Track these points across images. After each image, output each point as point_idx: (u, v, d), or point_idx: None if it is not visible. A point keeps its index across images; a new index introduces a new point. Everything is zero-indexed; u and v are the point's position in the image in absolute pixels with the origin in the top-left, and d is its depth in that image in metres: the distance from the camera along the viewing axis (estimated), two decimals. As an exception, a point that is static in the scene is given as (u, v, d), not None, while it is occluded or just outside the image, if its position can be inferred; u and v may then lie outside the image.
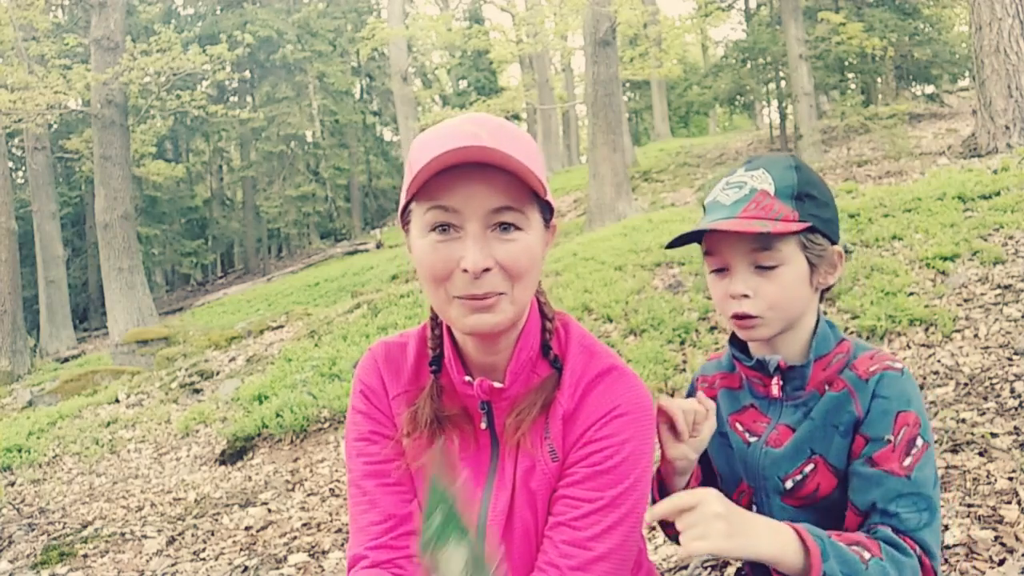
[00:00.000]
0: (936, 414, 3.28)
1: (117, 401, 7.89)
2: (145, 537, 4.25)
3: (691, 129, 37.77)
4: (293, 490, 4.60)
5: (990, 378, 3.52)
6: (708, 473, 1.34)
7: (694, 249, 1.29)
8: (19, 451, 6.46)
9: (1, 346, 13.78)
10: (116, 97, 13.62)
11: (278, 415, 5.50)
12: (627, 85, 29.72)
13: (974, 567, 2.22)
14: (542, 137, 27.30)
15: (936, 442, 3.03)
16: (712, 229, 1.15)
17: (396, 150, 33.01)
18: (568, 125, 33.65)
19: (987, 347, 3.86)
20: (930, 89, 18.86)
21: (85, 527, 4.62)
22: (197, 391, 7.49)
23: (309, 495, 4.46)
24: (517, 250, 1.01)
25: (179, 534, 4.22)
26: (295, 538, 3.86)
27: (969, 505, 2.54)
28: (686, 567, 2.64)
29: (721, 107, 25.40)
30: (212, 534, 4.16)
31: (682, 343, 5.00)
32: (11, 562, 4.19)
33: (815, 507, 1.20)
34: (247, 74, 29.77)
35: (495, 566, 0.90)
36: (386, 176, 32.86)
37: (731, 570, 2.51)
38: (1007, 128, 9.06)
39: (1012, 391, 3.33)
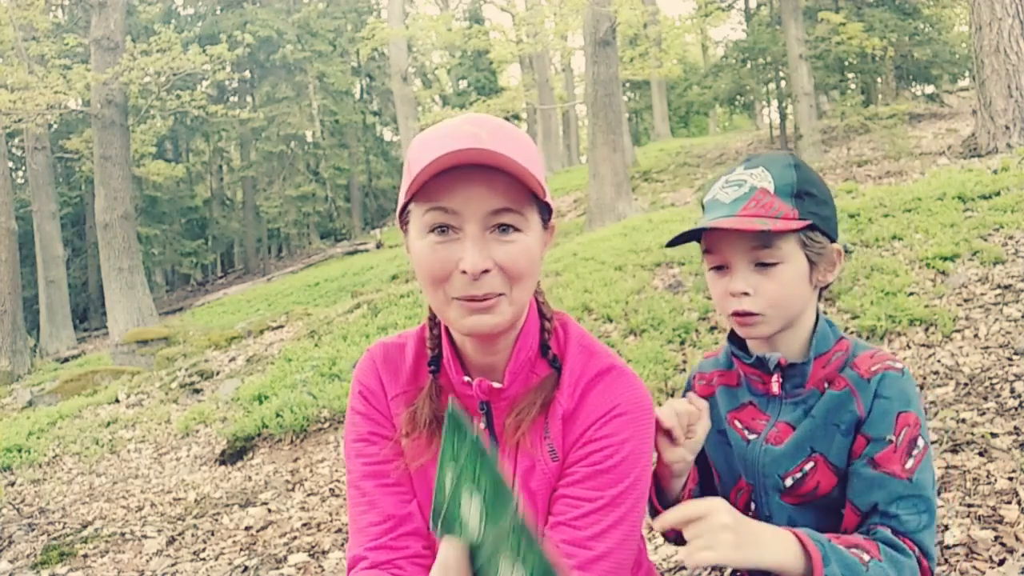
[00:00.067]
0: (936, 414, 3.28)
1: (117, 401, 7.89)
2: (145, 537, 4.25)
3: (691, 129, 37.77)
4: (293, 490, 4.60)
5: (990, 378, 3.52)
6: (705, 472, 1.34)
7: (694, 249, 1.29)
8: (19, 451, 6.46)
9: (1, 346, 13.78)
10: (116, 97, 13.62)
11: (278, 415, 5.50)
12: (627, 85, 29.72)
13: (974, 567, 2.22)
14: (542, 137, 27.30)
15: (936, 442, 3.03)
16: (712, 227, 1.15)
17: (396, 150, 33.02)
18: (568, 125, 33.65)
19: (987, 347, 3.86)
20: (930, 89, 18.86)
21: (85, 527, 4.62)
22: (197, 391, 7.49)
23: (309, 495, 4.46)
24: (516, 251, 1.01)
25: (179, 534, 4.22)
26: (295, 538, 3.86)
27: (969, 505, 2.54)
28: (686, 567, 2.64)
29: (721, 107, 25.41)
30: (212, 534, 4.16)
31: (682, 343, 5.00)
32: (11, 562, 4.19)
33: (814, 505, 1.20)
34: (247, 74, 29.77)
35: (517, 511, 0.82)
36: (386, 176, 32.87)
37: (731, 571, 2.51)
38: (1007, 128, 9.06)
39: (1012, 391, 3.33)
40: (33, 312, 19.95)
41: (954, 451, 2.93)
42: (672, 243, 1.26)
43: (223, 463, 5.42)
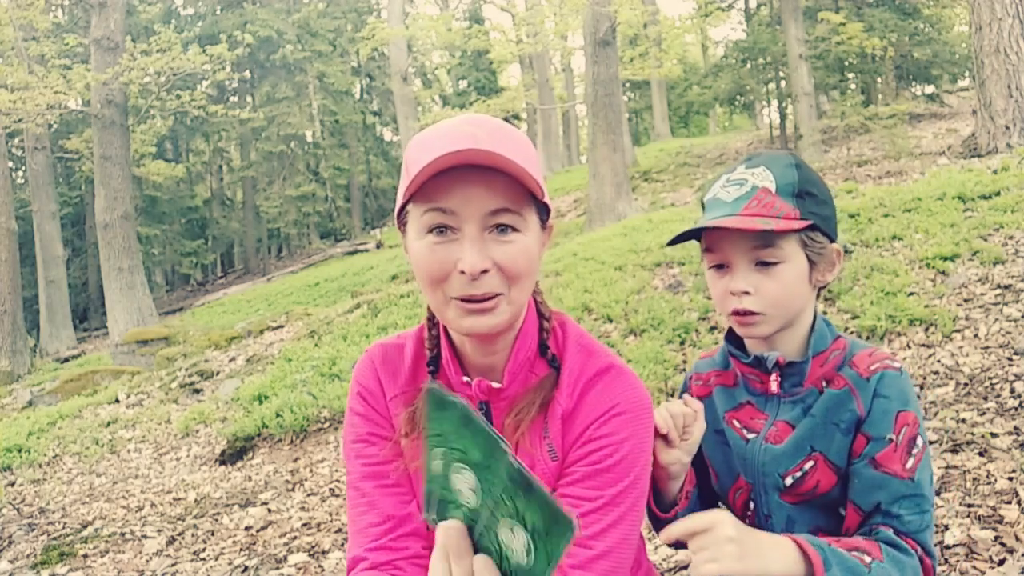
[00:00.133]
0: (936, 414, 3.28)
1: (117, 401, 7.89)
2: (145, 537, 4.25)
3: (691, 129, 37.77)
4: (293, 490, 4.60)
5: (990, 378, 3.52)
6: (701, 473, 1.34)
7: (694, 249, 1.30)
8: (19, 451, 6.46)
9: (1, 346, 13.78)
10: (116, 97, 13.62)
11: (278, 415, 5.50)
12: (627, 85, 29.72)
13: (974, 567, 2.22)
14: (542, 137, 27.31)
15: (936, 442, 3.03)
16: (715, 226, 1.16)
17: (396, 150, 33.02)
18: (568, 125, 33.66)
19: (987, 347, 3.86)
20: (930, 89, 18.86)
21: (85, 527, 4.62)
22: (197, 391, 7.49)
23: (309, 495, 4.46)
24: (515, 251, 1.01)
25: (179, 534, 4.22)
26: (295, 538, 3.86)
27: (969, 505, 2.54)
28: (686, 567, 2.64)
29: (721, 107, 25.40)
30: (212, 534, 4.16)
31: (682, 343, 5.00)
32: (11, 562, 4.19)
33: (813, 503, 1.20)
34: (247, 74, 29.78)
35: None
36: (386, 176, 32.88)
37: None
38: (1007, 128, 9.06)
39: (1012, 391, 3.33)
40: (33, 312, 19.95)
41: (954, 451, 2.93)
42: (673, 242, 1.26)
43: (223, 463, 5.42)
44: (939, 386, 3.58)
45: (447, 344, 1.14)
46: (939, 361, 3.86)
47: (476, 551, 0.77)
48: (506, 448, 0.73)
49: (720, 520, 1.02)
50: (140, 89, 15.32)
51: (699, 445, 1.24)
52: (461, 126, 1.01)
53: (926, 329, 4.26)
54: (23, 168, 24.52)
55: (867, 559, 1.06)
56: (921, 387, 3.62)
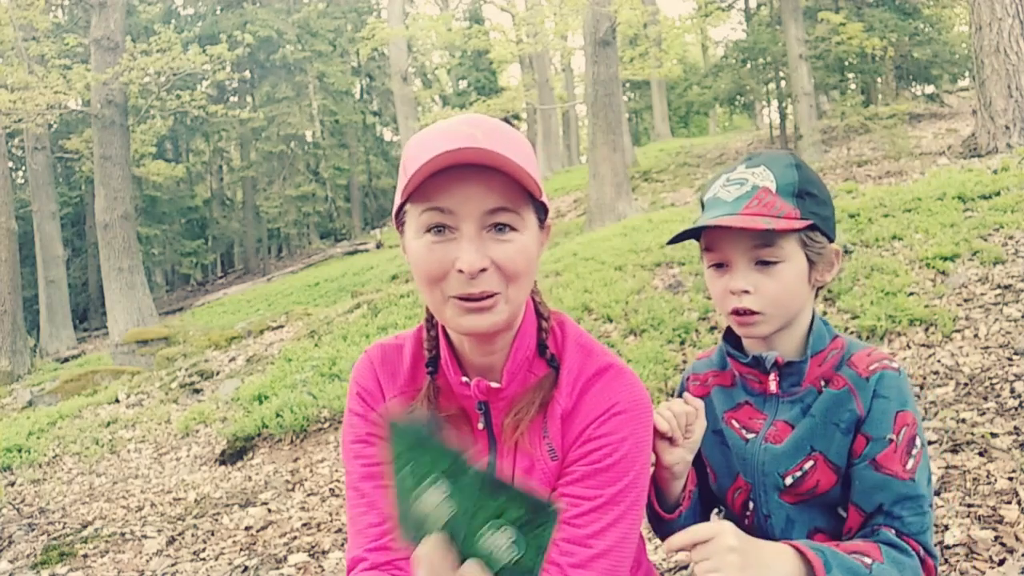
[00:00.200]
0: (936, 414, 3.28)
1: (117, 401, 7.89)
2: (145, 537, 4.25)
3: (691, 129, 37.78)
4: (293, 490, 4.60)
5: (990, 378, 3.52)
6: (699, 473, 1.34)
7: (694, 249, 1.30)
8: (19, 451, 6.46)
9: (1, 346, 13.79)
10: (116, 97, 13.62)
11: (278, 415, 5.50)
12: (627, 85, 29.72)
13: (974, 567, 2.22)
14: (542, 137, 27.31)
15: (936, 442, 3.03)
16: (716, 225, 1.16)
17: (396, 150, 33.03)
18: (568, 125, 33.66)
19: (987, 347, 3.86)
20: (930, 89, 18.86)
21: (85, 527, 4.62)
22: (197, 391, 7.49)
23: (309, 495, 4.46)
24: (513, 251, 1.01)
25: (179, 534, 4.22)
26: (295, 538, 3.86)
27: (969, 505, 2.54)
28: (686, 567, 2.64)
29: (721, 107, 25.41)
30: (212, 534, 4.16)
31: (682, 343, 5.00)
32: (11, 562, 4.19)
33: (812, 503, 1.20)
34: (247, 74, 29.78)
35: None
36: (386, 176, 32.88)
37: None
38: (1007, 128, 9.06)
39: (1012, 391, 3.33)
40: (33, 312, 19.95)
41: (954, 451, 2.93)
42: (673, 241, 1.26)
43: (223, 463, 5.42)
44: (939, 386, 3.58)
45: (446, 344, 1.14)
46: (939, 361, 3.86)
47: (464, 559, 0.77)
48: (470, 456, 0.74)
49: (722, 530, 1.03)
50: (140, 89, 15.32)
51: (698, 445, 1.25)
52: (459, 126, 1.01)
53: (926, 329, 4.26)
54: (23, 168, 24.53)
55: (867, 560, 1.06)
56: (921, 387, 3.62)
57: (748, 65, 18.48)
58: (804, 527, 1.20)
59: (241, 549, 3.86)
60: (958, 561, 2.26)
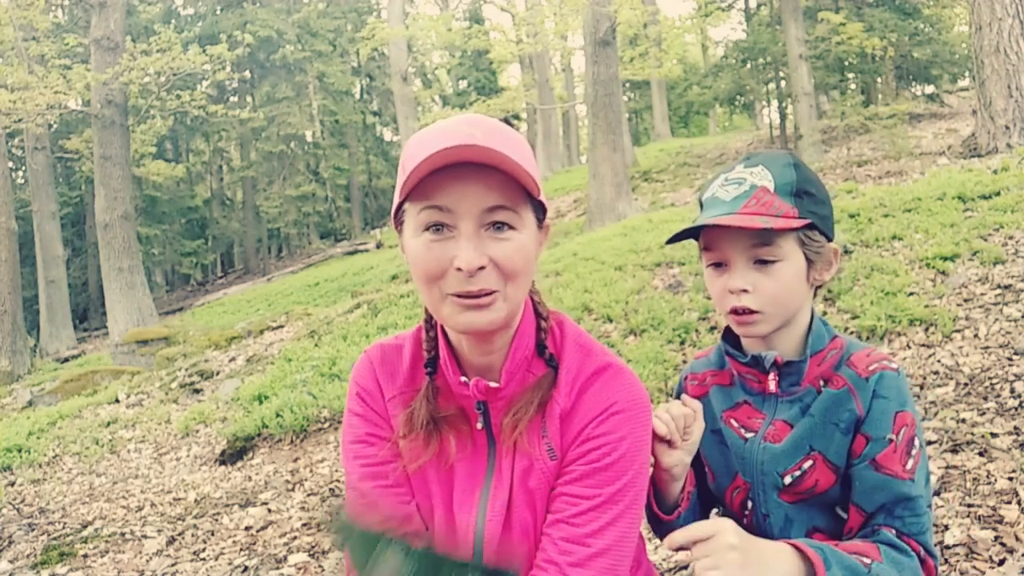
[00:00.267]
0: (936, 414, 3.28)
1: (117, 401, 7.89)
2: (145, 537, 4.25)
3: (691, 129, 37.79)
4: (293, 490, 4.60)
5: (990, 378, 3.52)
6: (697, 473, 1.34)
7: (694, 249, 1.30)
8: (19, 451, 6.46)
9: (1, 346, 13.79)
10: (116, 97, 13.62)
11: (278, 415, 5.50)
12: (627, 85, 29.73)
13: (974, 567, 2.22)
14: (542, 137, 27.30)
15: (936, 442, 3.03)
16: (714, 224, 1.16)
17: (396, 150, 33.03)
18: (568, 125, 33.66)
19: (987, 347, 3.86)
20: (930, 89, 18.86)
21: (85, 527, 4.62)
22: (197, 391, 7.49)
23: (309, 495, 4.46)
24: (511, 249, 1.01)
25: (179, 534, 4.22)
26: (295, 538, 3.86)
27: (969, 505, 2.54)
28: (686, 567, 2.64)
29: (721, 107, 25.40)
30: (212, 534, 4.16)
31: (682, 343, 5.00)
32: (11, 562, 4.19)
33: (811, 502, 1.20)
34: (247, 74, 29.79)
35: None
36: (386, 176, 32.89)
37: None
38: (1007, 128, 9.06)
39: (1012, 391, 3.33)
40: (33, 312, 19.96)
41: (954, 451, 2.93)
42: (672, 240, 1.26)
43: (223, 463, 5.42)
44: (939, 386, 3.58)
45: (445, 344, 1.14)
46: (939, 361, 3.86)
47: None
48: (411, 544, 0.81)
49: (722, 527, 1.03)
50: (140, 89, 15.32)
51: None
52: (458, 125, 1.01)
53: (926, 329, 4.25)
54: (23, 168, 24.53)
55: (867, 560, 1.07)
56: (921, 387, 3.62)
57: (748, 65, 18.48)
58: (803, 526, 1.20)
59: (241, 549, 3.86)
60: (958, 561, 2.26)
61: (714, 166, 17.50)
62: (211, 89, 26.20)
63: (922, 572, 1.11)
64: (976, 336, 4.03)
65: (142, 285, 13.66)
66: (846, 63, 17.74)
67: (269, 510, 4.34)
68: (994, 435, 2.97)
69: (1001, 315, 4.15)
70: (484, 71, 33.73)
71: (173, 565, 3.79)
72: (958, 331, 4.13)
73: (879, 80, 19.03)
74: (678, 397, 1.34)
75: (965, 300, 4.48)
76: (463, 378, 1.12)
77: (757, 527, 1.24)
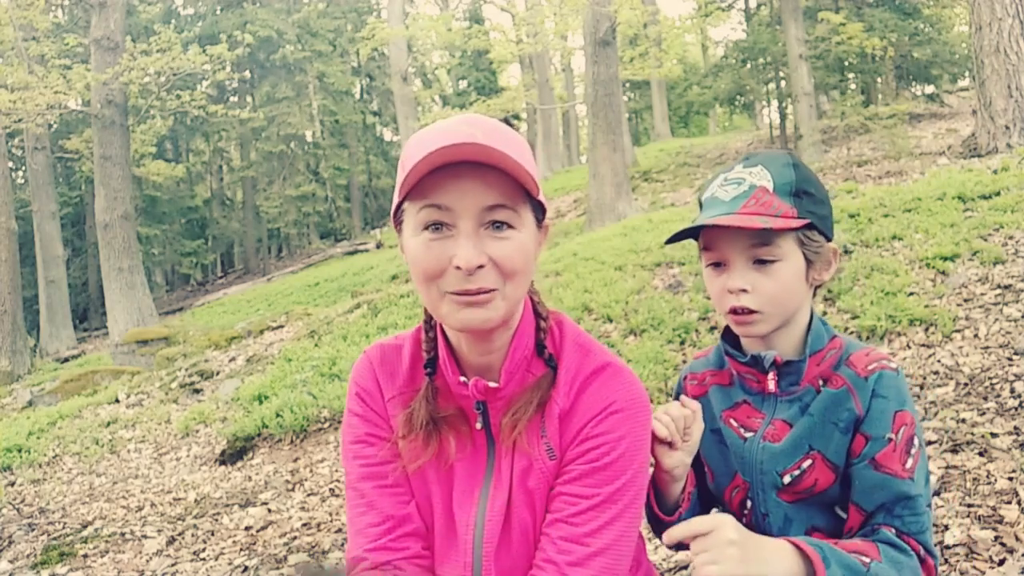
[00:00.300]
0: (936, 414, 3.28)
1: (117, 401, 7.89)
2: (145, 537, 4.25)
3: (691, 129, 37.78)
4: (293, 490, 4.60)
5: (990, 378, 3.52)
6: (699, 473, 1.34)
7: (694, 249, 1.30)
8: (19, 451, 6.46)
9: (1, 346, 13.79)
10: (116, 97, 13.62)
11: (278, 415, 5.50)
12: (627, 85, 29.72)
13: (974, 567, 2.22)
14: (542, 137, 27.30)
15: (936, 442, 3.03)
16: (713, 225, 1.16)
17: (396, 150, 33.02)
18: (568, 125, 33.66)
19: (987, 347, 3.86)
20: (930, 89, 18.86)
21: (85, 527, 4.62)
22: (197, 391, 7.49)
23: (309, 495, 4.46)
24: (510, 248, 1.01)
25: (179, 534, 4.22)
26: (295, 538, 3.86)
27: (969, 505, 2.54)
28: (686, 567, 2.64)
29: (721, 107, 25.40)
30: (212, 534, 4.16)
31: (682, 343, 5.00)
32: (11, 562, 4.19)
33: (810, 502, 1.21)
34: (247, 74, 29.78)
35: None
36: (386, 176, 32.88)
37: None
38: (1007, 128, 9.06)
39: (1012, 391, 3.33)
40: (33, 312, 19.96)
41: (954, 451, 2.93)
42: (671, 240, 1.27)
43: (223, 463, 5.42)
44: (939, 386, 3.58)
45: (444, 344, 1.14)
46: (939, 361, 3.86)
47: None
48: None
49: (722, 523, 1.03)
50: (140, 89, 15.32)
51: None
52: (458, 125, 1.01)
53: (926, 329, 4.25)
54: (23, 168, 24.53)
55: (866, 559, 1.07)
56: (921, 387, 3.62)
57: (748, 65, 18.48)
58: (802, 526, 1.20)
59: (241, 549, 3.86)
60: (958, 561, 2.26)
61: (714, 166, 17.49)
62: (211, 89, 26.19)
63: (922, 571, 1.12)
64: (976, 336, 4.03)
65: (142, 285, 13.66)
66: (846, 63, 17.74)
67: (269, 510, 4.34)
68: (994, 435, 2.97)
69: (1001, 315, 4.15)
70: (484, 71, 33.73)
71: (173, 565, 3.79)
72: (958, 331, 4.13)
73: (879, 80, 19.03)
74: (677, 397, 1.34)
75: (965, 300, 4.48)
76: (462, 378, 1.12)
77: (756, 526, 1.24)
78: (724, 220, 1.15)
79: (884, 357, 1.19)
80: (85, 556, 4.10)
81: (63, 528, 4.68)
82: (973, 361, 3.74)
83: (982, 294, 4.49)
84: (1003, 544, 2.29)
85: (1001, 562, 2.21)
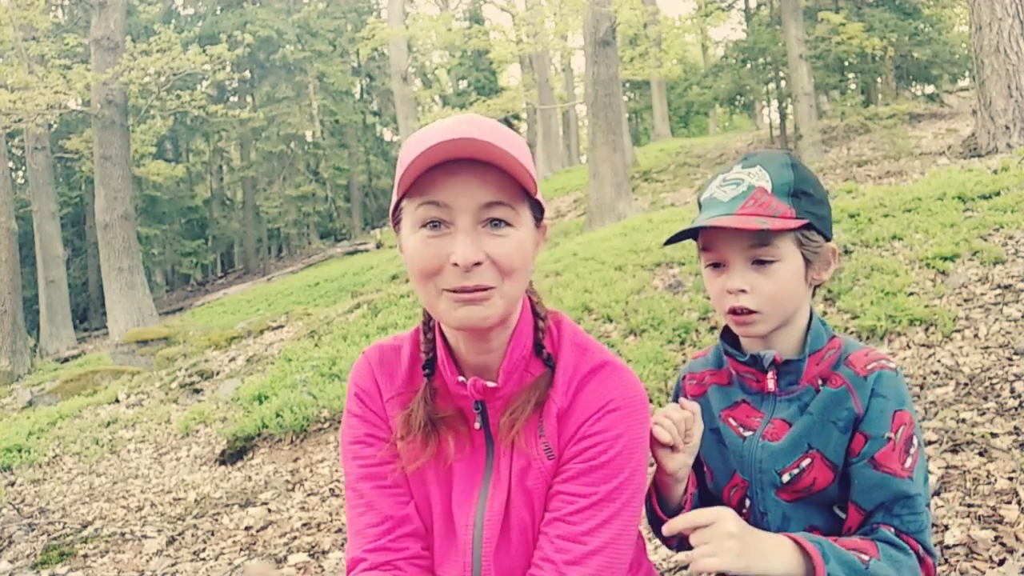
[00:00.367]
0: (936, 414, 3.28)
1: (117, 401, 7.89)
2: (145, 537, 4.25)
3: (691, 129, 37.79)
4: (293, 490, 4.60)
5: (990, 378, 3.51)
6: (699, 473, 1.34)
7: (694, 249, 1.30)
8: (19, 451, 6.46)
9: (1, 346, 13.79)
10: (116, 97, 13.62)
11: (278, 415, 5.50)
12: (627, 85, 29.72)
13: (974, 567, 2.22)
14: (542, 137, 27.30)
15: (936, 442, 3.03)
16: (712, 226, 1.16)
17: (396, 150, 32.96)
18: (568, 125, 33.66)
19: (987, 347, 3.86)
20: (930, 89, 18.85)
21: (85, 527, 4.62)
22: (197, 391, 7.49)
23: (309, 495, 4.46)
24: (508, 246, 1.01)
25: (179, 534, 4.22)
26: (295, 538, 3.86)
27: (969, 505, 2.54)
28: (686, 567, 2.64)
29: (721, 107, 25.40)
30: (212, 534, 4.16)
31: (682, 343, 5.00)
32: (11, 562, 4.19)
33: (809, 501, 1.21)
34: (247, 74, 29.78)
35: None
36: (386, 176, 32.89)
37: None
38: (1007, 128, 9.06)
39: (1012, 391, 3.33)
40: (33, 312, 19.96)
41: (954, 451, 2.93)
42: (670, 241, 1.27)
43: (223, 463, 5.42)
44: (939, 386, 3.58)
45: (442, 344, 1.14)
46: (939, 361, 3.86)
47: None
48: None
49: (723, 516, 1.03)
50: (140, 89, 15.32)
51: None
52: (455, 124, 1.01)
53: (926, 329, 4.25)
54: (23, 168, 24.53)
55: (864, 557, 1.07)
56: (921, 387, 3.62)
57: (748, 65, 18.48)
58: (800, 525, 1.21)
59: (241, 549, 3.86)
60: (958, 561, 2.26)
61: (714, 166, 17.49)
62: (211, 89, 26.20)
63: (920, 570, 1.12)
64: (976, 336, 4.03)
65: (142, 285, 13.66)
66: (846, 63, 17.74)
67: (269, 510, 4.34)
68: (994, 435, 2.97)
69: (1001, 315, 4.15)
70: (484, 71, 33.73)
71: (173, 565, 3.79)
72: (958, 331, 4.13)
73: (879, 80, 19.03)
74: (676, 398, 1.35)
75: (965, 300, 4.48)
76: (461, 378, 1.12)
77: (754, 525, 1.23)
78: (722, 221, 1.15)
79: (883, 357, 1.19)
80: (85, 556, 4.10)
81: (63, 528, 4.68)
82: (973, 361, 3.74)
83: (982, 294, 4.49)
84: (1003, 544, 2.29)
85: (1001, 562, 2.21)
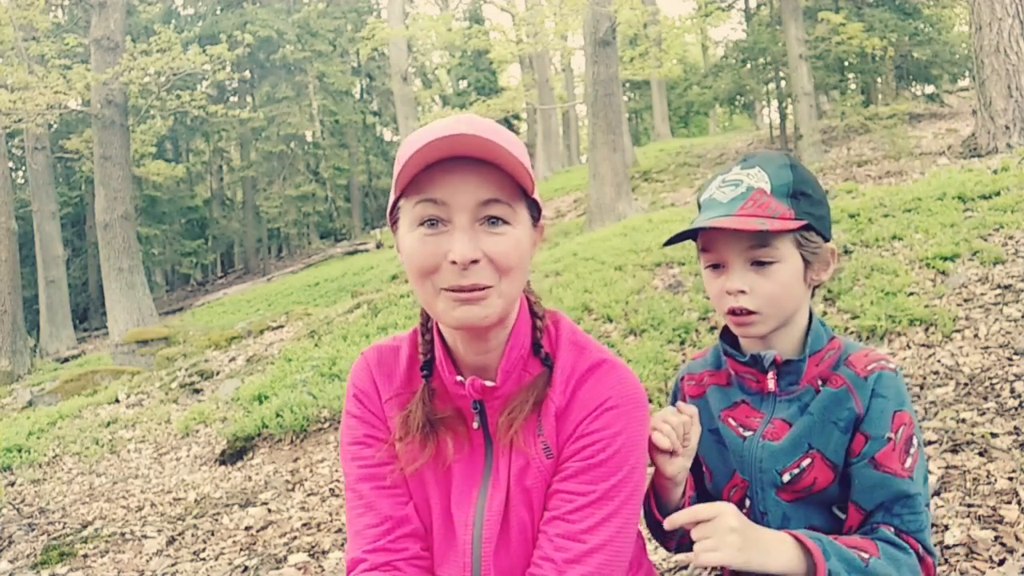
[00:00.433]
0: (936, 414, 3.28)
1: (117, 401, 7.89)
2: (145, 537, 4.25)
3: (691, 129, 37.79)
4: (293, 490, 4.60)
5: (990, 378, 3.51)
6: (697, 474, 1.34)
7: (694, 249, 1.30)
8: (19, 451, 6.46)
9: (1, 346, 13.79)
10: (116, 97, 13.62)
11: (278, 415, 5.50)
12: (627, 85, 29.73)
13: (974, 567, 2.22)
14: (542, 137, 27.30)
15: (936, 442, 3.03)
16: (711, 227, 1.16)
17: (396, 150, 32.85)
18: (568, 125, 33.65)
19: (987, 347, 3.86)
20: (930, 89, 18.86)
21: (85, 527, 4.62)
22: (197, 391, 7.49)
23: (309, 495, 4.46)
24: (506, 244, 1.01)
25: (179, 534, 4.22)
26: (295, 538, 3.86)
27: (969, 505, 2.54)
28: (686, 567, 2.64)
29: (721, 107, 25.40)
30: (212, 534, 4.16)
31: (682, 343, 5.00)
32: (11, 562, 4.19)
33: (809, 501, 1.21)
34: (247, 74, 29.79)
35: None
36: (386, 176, 32.87)
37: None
38: (1007, 128, 9.06)
39: (1012, 391, 3.33)
40: (33, 312, 19.96)
41: (954, 451, 2.93)
42: (670, 242, 1.27)
43: (223, 463, 5.42)
44: (939, 386, 3.58)
45: (440, 344, 1.14)
46: (939, 361, 3.86)
47: None
48: None
49: (724, 510, 1.04)
50: (140, 89, 15.31)
51: None
52: (453, 123, 1.01)
53: (926, 329, 4.25)
54: (23, 168, 24.53)
55: (864, 555, 1.08)
56: (921, 387, 3.62)
57: (748, 65, 18.48)
58: (800, 525, 1.21)
59: (241, 549, 3.86)
60: (958, 561, 2.26)
61: (714, 166, 17.49)
62: (211, 89, 26.20)
63: (920, 570, 1.12)
64: (976, 336, 4.03)
65: (142, 285, 13.66)
66: (846, 63, 17.74)
67: (269, 510, 4.34)
68: (994, 435, 2.97)
69: (1001, 315, 4.15)
70: (484, 71, 33.74)
71: (173, 565, 3.79)
72: (958, 331, 4.13)
73: (879, 80, 19.03)
74: (674, 399, 1.34)
75: (965, 300, 4.48)
76: (459, 378, 1.12)
77: (755, 526, 1.24)
78: (721, 222, 1.15)
79: (883, 358, 1.19)
80: (85, 556, 4.10)
81: (63, 528, 4.68)
82: (973, 361, 3.74)
83: (982, 294, 4.49)
84: (1003, 544, 2.29)
85: (1001, 562, 2.21)
